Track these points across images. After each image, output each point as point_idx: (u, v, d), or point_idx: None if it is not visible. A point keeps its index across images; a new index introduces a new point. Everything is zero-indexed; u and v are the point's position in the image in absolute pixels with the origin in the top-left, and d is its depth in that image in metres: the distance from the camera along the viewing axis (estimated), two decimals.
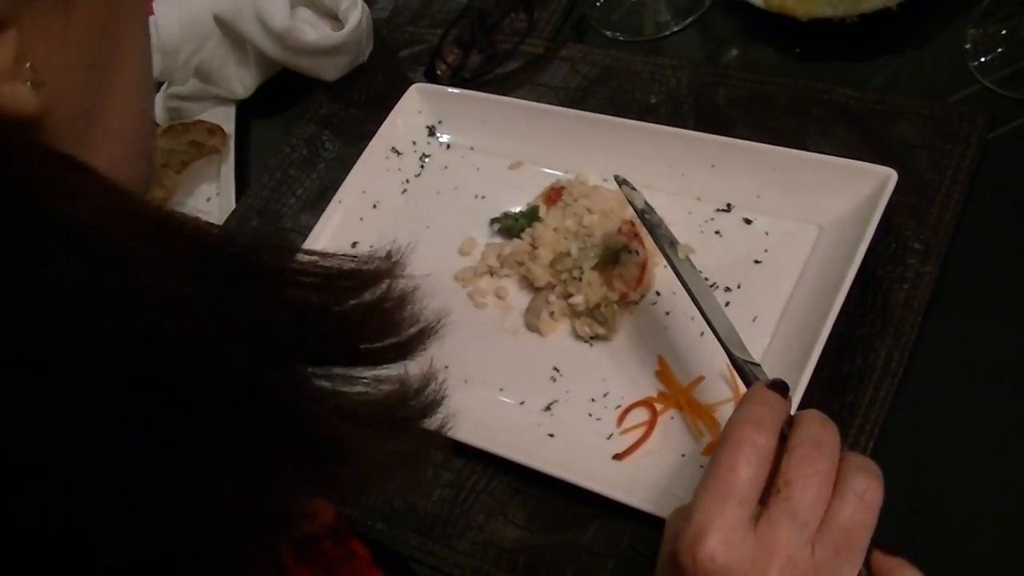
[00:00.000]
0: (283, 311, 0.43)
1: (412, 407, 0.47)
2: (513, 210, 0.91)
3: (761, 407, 0.57)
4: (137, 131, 0.47)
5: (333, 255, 0.46)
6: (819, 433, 0.55)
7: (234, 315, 0.40)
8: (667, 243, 0.73)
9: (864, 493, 0.53)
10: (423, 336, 0.48)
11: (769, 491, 0.54)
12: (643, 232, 0.80)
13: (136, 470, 0.37)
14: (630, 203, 0.77)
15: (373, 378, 0.45)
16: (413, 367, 0.48)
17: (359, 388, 0.45)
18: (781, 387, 0.58)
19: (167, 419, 0.38)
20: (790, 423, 0.57)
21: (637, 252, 0.81)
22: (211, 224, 0.46)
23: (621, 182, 0.78)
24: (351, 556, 0.57)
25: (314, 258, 0.45)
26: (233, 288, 0.41)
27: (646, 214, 0.75)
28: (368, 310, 0.45)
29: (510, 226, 0.89)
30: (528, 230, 0.87)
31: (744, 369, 0.64)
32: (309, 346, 0.43)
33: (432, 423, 0.48)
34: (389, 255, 0.47)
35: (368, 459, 0.44)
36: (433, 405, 0.48)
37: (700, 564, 0.52)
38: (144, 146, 0.49)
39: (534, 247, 0.86)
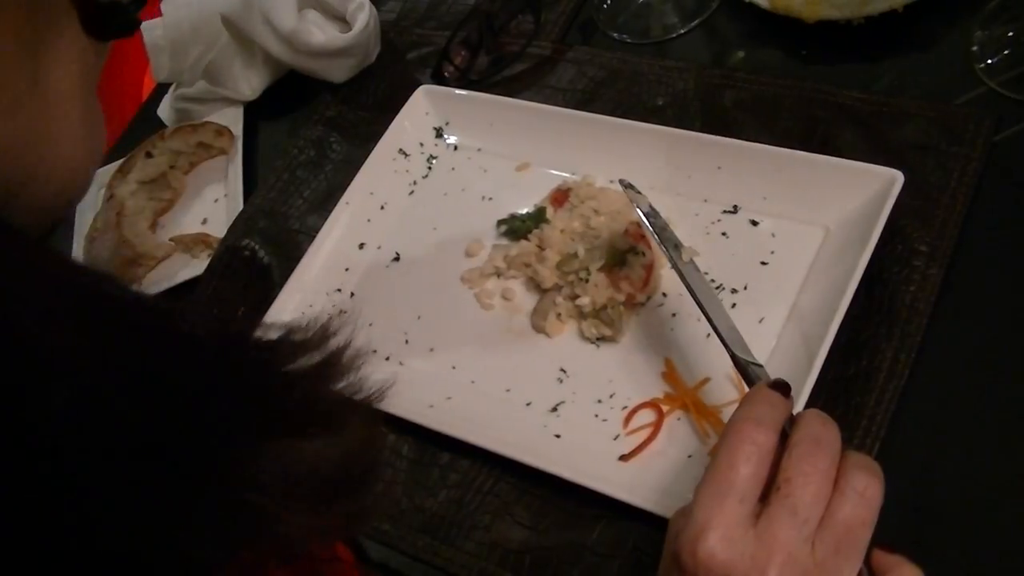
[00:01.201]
0: (192, 374, 0.40)
1: (339, 484, 0.44)
2: (520, 211, 0.91)
3: (761, 406, 0.57)
4: (85, 153, 0.46)
5: (261, 324, 0.44)
6: (820, 431, 0.55)
7: (145, 376, 0.38)
8: (671, 246, 0.73)
9: (864, 491, 0.53)
10: (351, 411, 0.46)
11: (770, 489, 0.54)
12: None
13: (36, 507, 0.36)
14: (635, 207, 0.77)
15: (298, 450, 0.43)
16: (347, 441, 0.45)
17: (280, 461, 0.42)
18: (782, 387, 0.59)
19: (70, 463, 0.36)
20: (792, 423, 0.57)
21: (644, 253, 0.81)
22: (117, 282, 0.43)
23: (626, 186, 0.78)
24: (334, 560, 0.56)
25: (243, 328, 0.44)
26: (145, 348, 0.39)
27: (651, 217, 0.76)
28: (294, 380, 0.44)
29: (517, 227, 0.89)
30: (535, 231, 0.87)
31: (747, 370, 0.64)
32: (225, 412, 0.41)
33: (362, 497, 0.46)
34: (324, 327, 0.45)
35: (285, 531, 0.41)
36: (364, 484, 0.46)
37: (701, 562, 0.52)
38: (94, 160, 0.47)
39: (541, 248, 0.86)
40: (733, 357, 0.65)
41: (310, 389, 0.44)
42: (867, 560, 0.54)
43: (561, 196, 0.89)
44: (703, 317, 0.69)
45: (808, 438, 0.55)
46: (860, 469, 0.54)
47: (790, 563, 0.52)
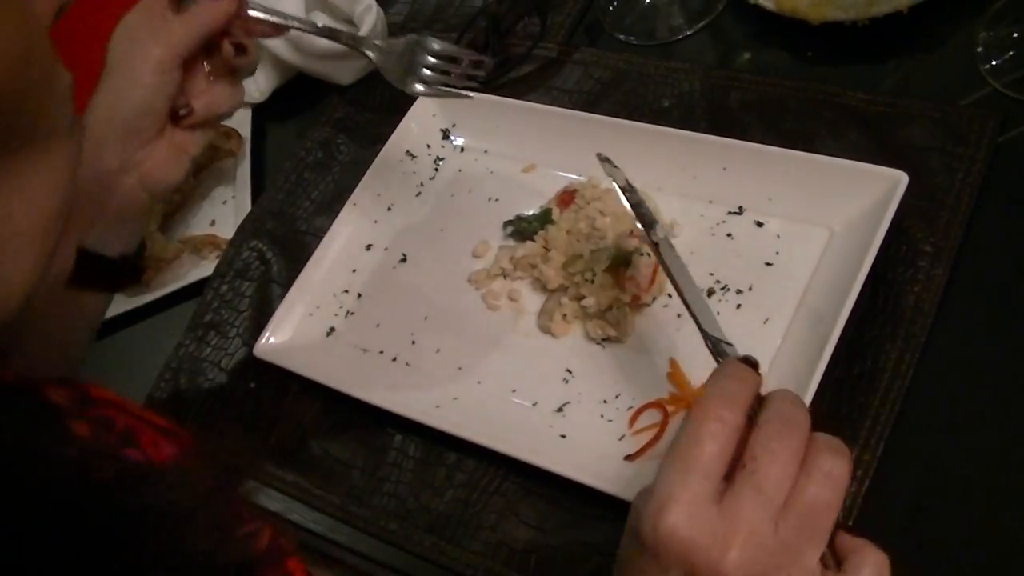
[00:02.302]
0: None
1: None
2: (526, 213, 0.91)
3: (730, 381, 0.56)
4: (25, 292, 0.41)
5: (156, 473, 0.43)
6: (789, 411, 0.55)
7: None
8: (647, 221, 0.71)
9: (831, 472, 0.53)
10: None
11: (735, 468, 0.53)
12: None
13: None
14: (612, 180, 0.75)
15: None
16: None
17: None
18: (751, 363, 0.58)
19: None
20: (761, 403, 0.56)
21: (649, 255, 0.81)
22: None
23: (603, 160, 0.75)
24: None
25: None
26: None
27: (627, 192, 0.74)
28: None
29: (523, 229, 0.90)
30: (541, 233, 0.88)
31: (717, 347, 0.63)
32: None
33: None
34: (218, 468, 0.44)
35: None
36: None
37: (660, 537, 0.51)
38: (34, 293, 0.41)
39: (547, 249, 0.86)
40: (704, 334, 0.64)
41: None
42: (831, 542, 0.53)
43: (567, 197, 0.90)
44: None
45: (777, 417, 0.54)
46: (828, 450, 0.53)
47: (753, 540, 0.51)
